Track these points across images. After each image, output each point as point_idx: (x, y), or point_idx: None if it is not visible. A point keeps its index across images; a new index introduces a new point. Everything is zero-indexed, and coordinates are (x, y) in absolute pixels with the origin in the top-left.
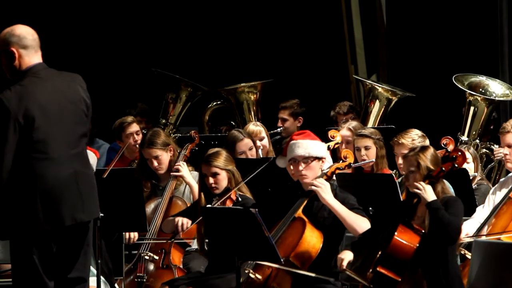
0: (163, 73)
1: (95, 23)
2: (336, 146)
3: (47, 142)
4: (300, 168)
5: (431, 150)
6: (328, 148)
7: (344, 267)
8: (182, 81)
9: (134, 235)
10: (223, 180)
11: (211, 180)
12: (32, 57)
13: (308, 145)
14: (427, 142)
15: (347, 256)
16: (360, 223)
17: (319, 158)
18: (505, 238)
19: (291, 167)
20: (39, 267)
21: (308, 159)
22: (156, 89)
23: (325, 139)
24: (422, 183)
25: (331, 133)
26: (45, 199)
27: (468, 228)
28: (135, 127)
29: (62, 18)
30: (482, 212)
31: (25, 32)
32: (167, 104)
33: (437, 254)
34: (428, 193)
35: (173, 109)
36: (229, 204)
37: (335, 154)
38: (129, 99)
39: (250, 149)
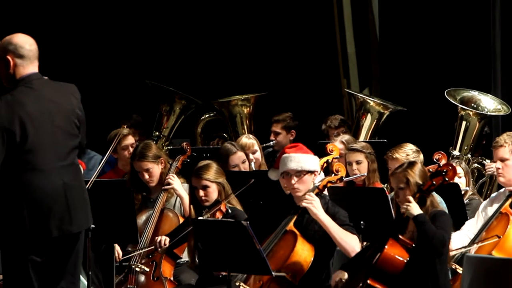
0: (157, 85)
1: (90, 34)
2: (335, 161)
3: (35, 153)
4: (293, 181)
5: (418, 165)
6: (327, 162)
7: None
8: (176, 93)
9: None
10: (213, 192)
11: (201, 192)
12: (28, 67)
13: (300, 159)
14: (421, 157)
15: (343, 276)
16: (349, 240)
17: (312, 172)
18: (496, 253)
19: (284, 181)
20: (33, 277)
21: (300, 173)
22: (150, 101)
23: (317, 152)
24: (408, 197)
25: (329, 146)
26: (32, 210)
27: (456, 240)
28: (130, 140)
29: (58, 28)
30: (471, 226)
31: (22, 42)
32: (161, 116)
33: (426, 268)
34: (414, 207)
35: (166, 122)
36: (219, 216)
37: (327, 167)
38: (123, 111)
39: (243, 162)
